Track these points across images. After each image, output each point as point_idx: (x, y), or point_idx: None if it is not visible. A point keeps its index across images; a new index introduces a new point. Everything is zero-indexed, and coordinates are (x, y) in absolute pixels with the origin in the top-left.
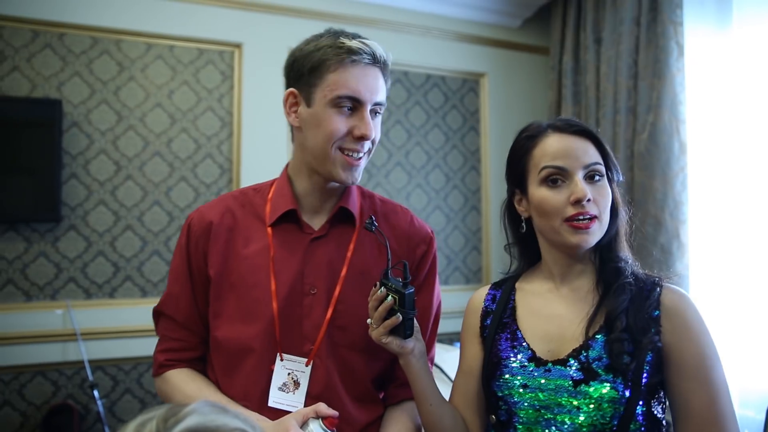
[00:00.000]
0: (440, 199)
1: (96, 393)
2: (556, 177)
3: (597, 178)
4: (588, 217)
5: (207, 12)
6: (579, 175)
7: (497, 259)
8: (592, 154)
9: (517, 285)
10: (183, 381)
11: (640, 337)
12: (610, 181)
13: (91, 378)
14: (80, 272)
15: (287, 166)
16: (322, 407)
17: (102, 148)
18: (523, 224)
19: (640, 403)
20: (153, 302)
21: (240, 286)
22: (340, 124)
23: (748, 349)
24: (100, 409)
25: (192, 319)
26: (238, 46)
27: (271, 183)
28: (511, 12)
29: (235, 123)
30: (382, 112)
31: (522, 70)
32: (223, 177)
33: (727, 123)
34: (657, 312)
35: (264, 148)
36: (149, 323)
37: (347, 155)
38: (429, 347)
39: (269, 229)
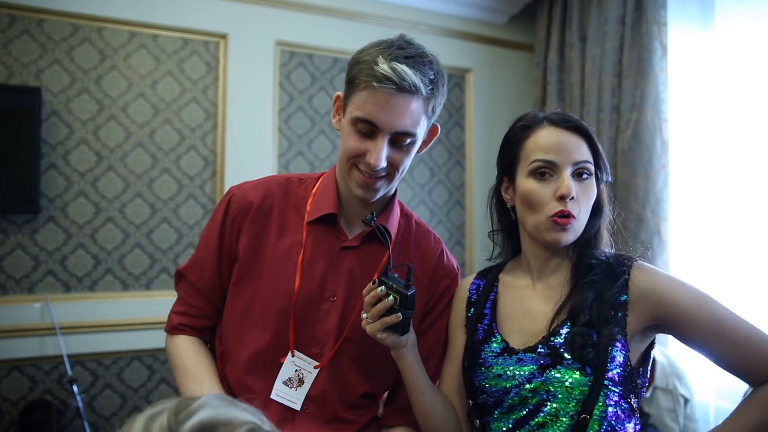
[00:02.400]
0: (425, 194)
1: (75, 388)
2: (545, 170)
3: (585, 176)
4: (566, 215)
5: (192, 1)
6: (567, 171)
7: (481, 254)
8: (583, 152)
9: (500, 276)
10: (188, 350)
11: (601, 329)
12: (598, 180)
13: (70, 373)
14: (59, 265)
15: (336, 165)
16: None
17: (83, 138)
18: (512, 213)
19: (615, 390)
20: (135, 296)
21: (265, 275)
22: (355, 144)
23: None
24: (80, 404)
25: (213, 289)
26: (223, 36)
27: (318, 176)
28: (498, 8)
29: (219, 115)
30: (410, 142)
31: (507, 66)
32: (207, 169)
33: (709, 122)
34: (624, 297)
35: (249, 140)
36: (130, 317)
37: (363, 174)
38: (435, 380)
39: (306, 226)
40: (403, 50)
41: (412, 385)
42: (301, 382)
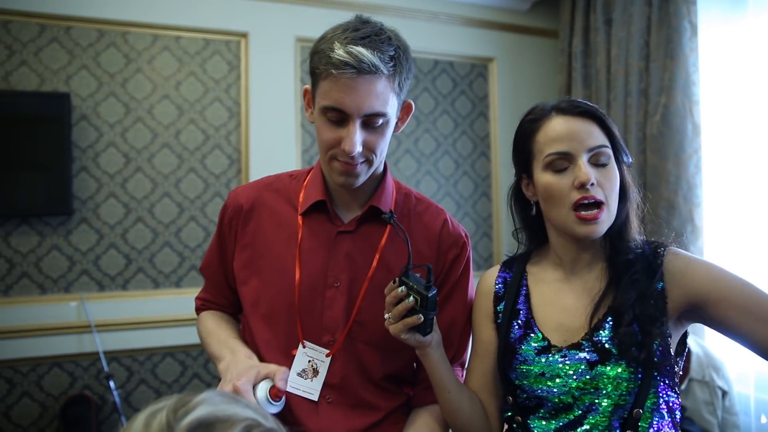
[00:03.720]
0: (450, 186)
1: (112, 384)
2: (561, 161)
3: (603, 161)
4: (593, 202)
5: (212, 1)
6: (583, 159)
7: (508, 245)
8: (597, 137)
9: (528, 268)
10: (209, 319)
11: (648, 328)
12: (619, 163)
13: (106, 369)
14: (93, 265)
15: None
16: (278, 374)
17: (111, 141)
18: (534, 207)
19: (663, 381)
20: (165, 293)
21: (266, 271)
22: (329, 134)
23: None
24: (117, 399)
25: (222, 288)
26: (244, 35)
27: (308, 171)
28: None
29: (242, 113)
30: (383, 122)
31: (531, 54)
32: (232, 167)
33: (743, 104)
34: (661, 284)
35: (272, 137)
36: (162, 314)
37: (342, 162)
38: (460, 352)
39: (300, 218)
40: (359, 31)
41: (438, 383)
42: (315, 372)
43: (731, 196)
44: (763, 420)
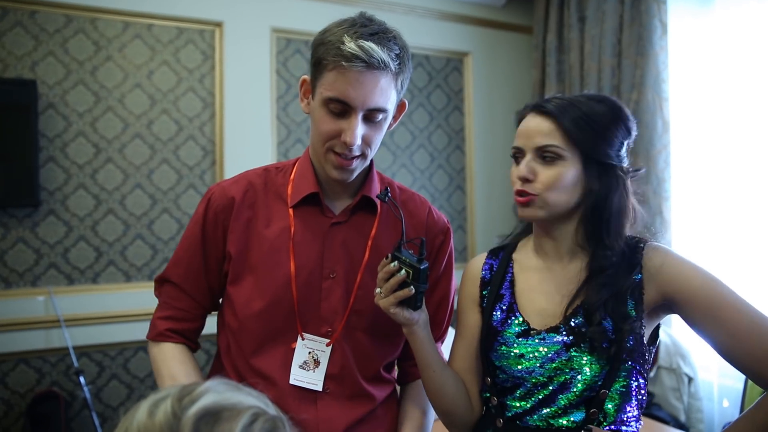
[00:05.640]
0: (425, 179)
1: (82, 379)
2: (516, 155)
3: (548, 158)
4: (523, 193)
5: None
6: (529, 156)
7: (482, 238)
8: (548, 136)
9: (513, 256)
10: (175, 359)
11: (621, 324)
12: (595, 164)
13: (76, 364)
14: (61, 258)
15: (309, 147)
16: None
17: (80, 131)
18: None
19: (632, 366)
20: (137, 287)
21: (260, 267)
22: (330, 125)
23: None
24: (87, 395)
25: (200, 289)
26: (218, 24)
27: (294, 162)
28: None
29: (217, 104)
30: (382, 117)
31: (506, 49)
32: (206, 159)
33: (710, 101)
34: (639, 276)
35: (247, 129)
36: (134, 308)
37: (339, 156)
38: (444, 333)
39: (291, 211)
40: (367, 27)
41: (423, 362)
42: (317, 363)
43: (699, 191)
44: (725, 404)
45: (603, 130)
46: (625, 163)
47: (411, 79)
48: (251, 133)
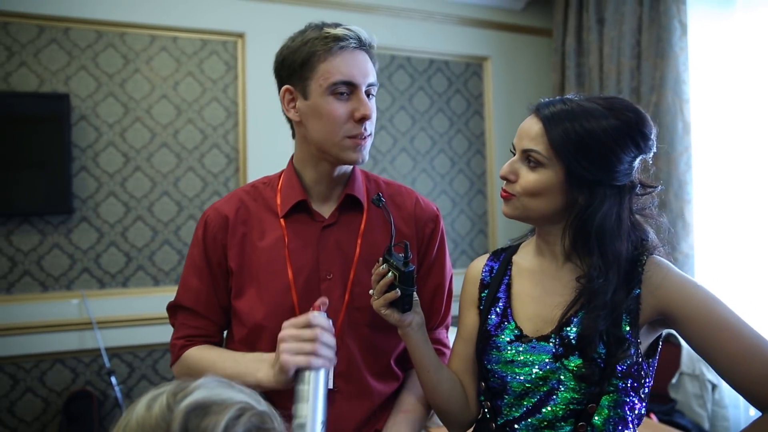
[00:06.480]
0: (446, 184)
1: (113, 379)
2: (512, 151)
3: (532, 163)
4: (505, 193)
5: (209, 2)
6: (517, 156)
7: (503, 242)
8: (534, 140)
9: (513, 259)
10: (203, 350)
11: (614, 350)
12: (580, 178)
13: (107, 365)
14: (93, 263)
15: (292, 158)
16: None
17: (110, 141)
18: None
19: (623, 382)
20: (165, 290)
21: (260, 277)
22: (340, 109)
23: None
24: (118, 394)
25: (212, 309)
26: (240, 35)
27: (279, 175)
28: None
29: (240, 112)
30: (375, 93)
31: (525, 52)
32: (230, 166)
33: (732, 102)
34: (638, 290)
35: (269, 136)
36: (162, 311)
37: (354, 138)
38: (445, 317)
39: (282, 221)
40: (331, 23)
41: (418, 363)
42: None
43: (722, 193)
44: (752, 413)
45: (596, 146)
46: (629, 180)
47: (431, 85)
48: (273, 140)
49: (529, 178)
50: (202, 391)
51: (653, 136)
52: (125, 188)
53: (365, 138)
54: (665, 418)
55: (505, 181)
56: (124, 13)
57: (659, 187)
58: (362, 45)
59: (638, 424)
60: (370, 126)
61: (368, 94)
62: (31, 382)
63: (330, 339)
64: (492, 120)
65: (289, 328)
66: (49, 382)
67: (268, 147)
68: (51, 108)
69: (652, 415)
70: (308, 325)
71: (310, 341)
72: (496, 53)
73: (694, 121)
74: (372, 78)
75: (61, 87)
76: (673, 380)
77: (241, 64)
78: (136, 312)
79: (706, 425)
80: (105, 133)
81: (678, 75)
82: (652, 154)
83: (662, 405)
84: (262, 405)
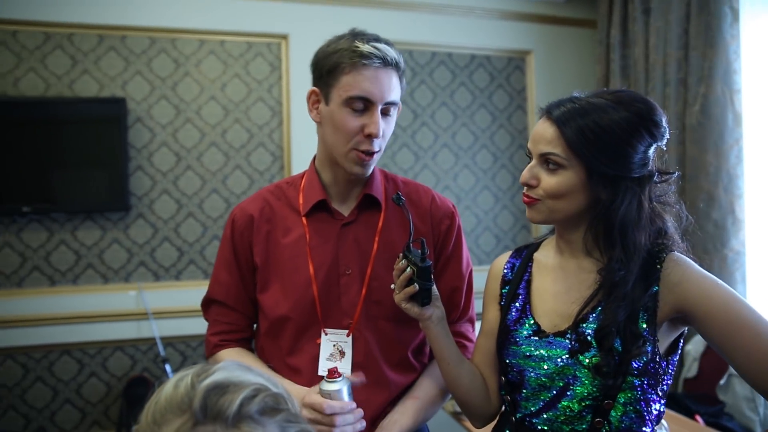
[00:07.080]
0: (488, 179)
1: (168, 367)
2: (528, 155)
3: (551, 166)
4: (527, 198)
5: (254, 6)
6: (534, 161)
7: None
8: (551, 144)
9: (534, 255)
10: (235, 354)
11: (630, 346)
12: (601, 174)
13: (162, 353)
14: (149, 257)
15: (314, 159)
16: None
17: (163, 141)
18: None
19: (640, 380)
20: None
21: (283, 272)
22: (352, 122)
23: None
24: None
25: (242, 302)
26: (284, 37)
27: (302, 175)
28: None
29: (284, 112)
30: (394, 111)
31: (568, 45)
32: (275, 164)
33: None
34: (656, 288)
35: (312, 134)
36: None
37: (361, 153)
38: (466, 310)
39: (304, 219)
40: (368, 35)
41: (438, 355)
42: (342, 354)
43: None
44: None
45: (612, 140)
46: (647, 170)
47: (472, 80)
48: (316, 138)
49: (551, 181)
50: (222, 372)
51: (665, 123)
52: (177, 186)
53: (371, 155)
54: (712, 421)
55: (525, 187)
56: (176, 20)
57: (676, 173)
58: (387, 64)
59: (657, 422)
60: (379, 143)
61: (386, 112)
62: (95, 367)
63: (349, 418)
64: (535, 115)
65: (307, 410)
66: (111, 367)
67: (312, 145)
68: (110, 111)
69: (698, 418)
70: (323, 412)
71: (329, 426)
72: (538, 47)
73: (745, 113)
74: (392, 97)
75: (118, 92)
76: (722, 381)
77: (285, 65)
78: (188, 304)
79: (758, 430)
80: (158, 134)
81: (728, 64)
82: (665, 141)
83: (709, 407)
84: (278, 388)
